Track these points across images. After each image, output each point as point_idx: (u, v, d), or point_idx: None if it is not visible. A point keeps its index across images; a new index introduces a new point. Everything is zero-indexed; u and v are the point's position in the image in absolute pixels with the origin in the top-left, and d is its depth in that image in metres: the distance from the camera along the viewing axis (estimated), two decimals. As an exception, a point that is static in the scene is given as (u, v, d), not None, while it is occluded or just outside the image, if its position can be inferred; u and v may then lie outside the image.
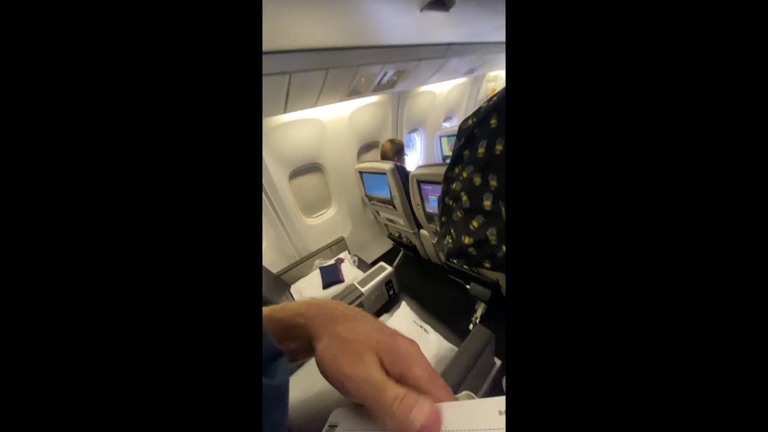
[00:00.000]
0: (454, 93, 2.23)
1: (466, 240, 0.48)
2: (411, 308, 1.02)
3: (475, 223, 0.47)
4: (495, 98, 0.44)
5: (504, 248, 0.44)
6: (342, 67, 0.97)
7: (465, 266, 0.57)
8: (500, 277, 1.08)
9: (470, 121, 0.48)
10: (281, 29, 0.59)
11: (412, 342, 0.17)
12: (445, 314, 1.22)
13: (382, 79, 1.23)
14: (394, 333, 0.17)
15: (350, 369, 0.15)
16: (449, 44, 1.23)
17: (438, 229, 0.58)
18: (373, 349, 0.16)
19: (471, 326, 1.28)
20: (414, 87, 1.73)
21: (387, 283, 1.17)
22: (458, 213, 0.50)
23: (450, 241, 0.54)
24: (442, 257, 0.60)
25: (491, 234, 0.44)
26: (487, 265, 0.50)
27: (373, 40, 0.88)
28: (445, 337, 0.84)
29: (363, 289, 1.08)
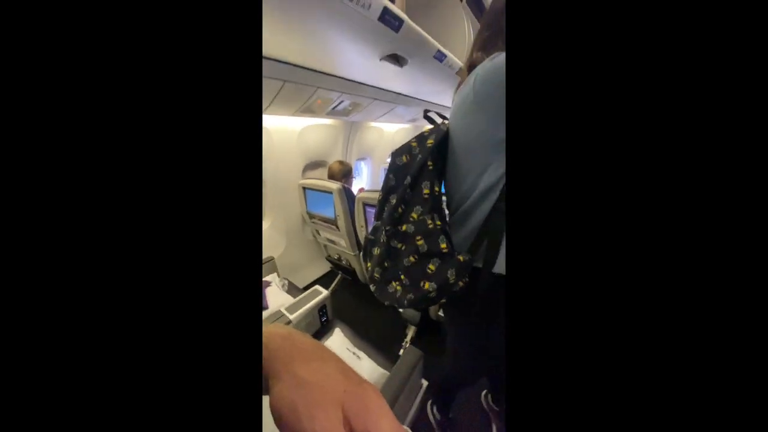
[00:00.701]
0: (399, 135, 2.55)
1: (427, 285, 0.45)
2: (345, 334, 0.96)
3: (432, 267, 0.46)
4: (430, 139, 0.48)
5: (460, 283, 0.45)
6: (299, 84, 0.98)
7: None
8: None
9: (405, 158, 0.50)
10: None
11: (377, 391, 0.16)
12: (380, 339, 1.20)
13: (338, 105, 1.30)
14: (361, 381, 0.16)
15: (309, 424, 0.13)
16: (399, 93, 1.44)
17: (377, 276, 0.52)
18: (339, 400, 0.14)
19: (401, 351, 1.29)
20: (366, 120, 1.89)
21: (320, 308, 1.09)
22: (412, 258, 0.47)
23: (399, 288, 0.49)
24: (386, 304, 0.53)
25: (451, 275, 0.44)
26: (443, 300, 0.49)
27: (334, 69, 0.95)
28: (379, 363, 0.82)
29: (291, 316, 0.96)
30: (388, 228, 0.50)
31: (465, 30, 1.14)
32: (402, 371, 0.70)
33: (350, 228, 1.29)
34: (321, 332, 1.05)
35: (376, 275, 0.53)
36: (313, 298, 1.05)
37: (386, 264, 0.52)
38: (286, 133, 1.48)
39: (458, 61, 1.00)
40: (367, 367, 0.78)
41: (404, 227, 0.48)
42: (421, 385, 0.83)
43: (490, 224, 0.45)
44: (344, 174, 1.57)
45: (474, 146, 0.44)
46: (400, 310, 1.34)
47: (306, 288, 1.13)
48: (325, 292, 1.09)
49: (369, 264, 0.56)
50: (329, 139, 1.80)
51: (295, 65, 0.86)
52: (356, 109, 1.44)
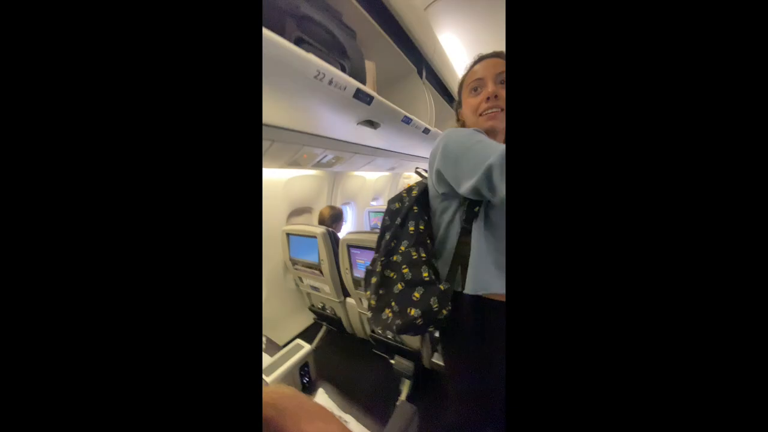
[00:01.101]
0: (380, 182, 2.76)
1: (413, 312, 0.51)
2: (330, 396, 0.85)
3: (417, 294, 0.52)
4: (415, 191, 0.62)
5: (444, 311, 0.50)
6: (289, 143, 1.11)
7: (409, 334, 0.57)
8: (420, 346, 1.11)
9: (397, 204, 0.63)
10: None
11: None
12: (371, 398, 1.06)
13: (322, 159, 1.44)
14: None
15: None
16: (377, 148, 1.64)
17: (373, 303, 0.59)
18: None
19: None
20: (349, 170, 2.06)
21: (302, 367, 0.97)
22: (400, 285, 0.54)
23: (390, 315, 0.55)
24: (380, 331, 0.57)
25: (434, 302, 0.50)
26: (431, 329, 0.54)
27: (318, 131, 1.10)
28: (369, 427, 0.72)
29: (268, 379, 0.85)
30: (383, 259, 0.59)
31: (426, 99, 1.41)
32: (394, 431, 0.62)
33: (335, 273, 1.27)
34: (302, 397, 0.92)
35: (372, 302, 0.60)
36: (293, 355, 0.95)
37: (381, 291, 0.58)
38: (273, 183, 1.56)
39: (423, 123, 1.21)
40: (355, 434, 0.68)
41: (395, 257, 0.58)
42: (419, 450, 0.72)
43: (459, 253, 0.54)
44: (334, 219, 1.60)
45: (433, 195, 0.60)
46: (392, 362, 1.22)
47: (287, 345, 1.03)
48: (306, 348, 1.00)
49: (368, 292, 0.63)
50: (315, 188, 1.91)
51: (282, 128, 0.99)
52: (339, 162, 1.59)
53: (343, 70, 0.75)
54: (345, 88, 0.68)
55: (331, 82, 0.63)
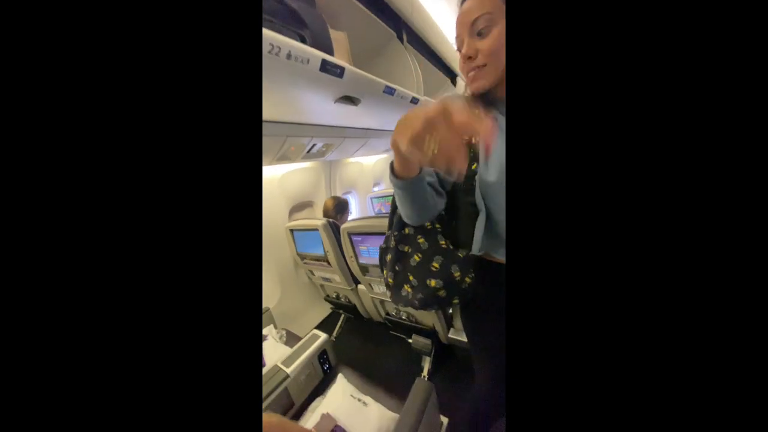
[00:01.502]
0: (379, 165, 2.67)
1: (433, 283, 0.48)
2: (349, 380, 0.87)
3: (435, 264, 0.49)
4: None
5: (467, 279, 0.48)
6: (270, 136, 1.06)
7: (432, 309, 0.56)
8: (436, 323, 1.10)
9: None
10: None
11: None
12: (392, 378, 1.08)
13: (311, 149, 1.39)
14: None
15: None
16: (367, 129, 1.56)
17: (391, 281, 0.57)
18: None
19: (420, 389, 1.15)
20: (343, 157, 2.00)
21: (321, 355, 1.00)
22: (416, 257, 0.51)
23: (410, 290, 0.53)
24: (401, 309, 0.55)
25: (455, 270, 0.47)
26: (456, 300, 0.52)
27: (297, 117, 1.05)
28: (390, 406, 0.73)
29: (288, 369, 0.88)
30: (395, 233, 0.55)
31: (411, 65, 1.29)
32: (411, 411, 0.62)
33: (342, 262, 1.26)
34: (325, 382, 0.95)
35: (390, 280, 0.57)
36: (310, 345, 0.97)
37: (397, 268, 0.55)
38: (267, 181, 1.55)
39: (409, 92, 1.11)
40: (375, 413, 0.69)
41: (407, 230, 0.54)
42: (441, 423, 0.72)
43: (467, 217, 0.50)
44: (339, 210, 1.55)
45: None
46: (410, 341, 1.23)
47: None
48: (323, 336, 1.02)
49: (385, 271, 0.60)
50: (311, 181, 1.88)
51: (263, 120, 0.95)
52: (330, 149, 1.54)
53: (303, 41, 0.67)
54: (308, 61, 0.61)
55: (289, 56, 0.57)
